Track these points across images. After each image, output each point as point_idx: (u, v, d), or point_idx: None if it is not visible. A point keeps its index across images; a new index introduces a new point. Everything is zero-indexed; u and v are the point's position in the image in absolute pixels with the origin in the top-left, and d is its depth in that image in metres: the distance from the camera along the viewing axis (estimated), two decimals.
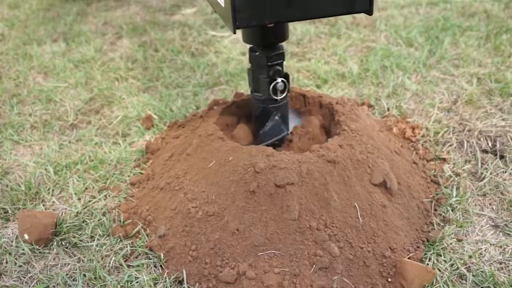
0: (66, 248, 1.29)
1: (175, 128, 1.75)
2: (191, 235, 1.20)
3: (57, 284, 1.18)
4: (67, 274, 1.20)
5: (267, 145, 1.33)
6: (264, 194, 1.15)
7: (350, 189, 1.19)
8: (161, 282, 1.16)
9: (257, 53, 1.30)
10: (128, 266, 1.22)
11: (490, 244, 1.23)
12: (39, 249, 1.28)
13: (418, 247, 1.20)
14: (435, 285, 1.12)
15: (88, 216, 1.40)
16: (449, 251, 1.20)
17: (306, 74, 2.18)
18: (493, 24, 2.60)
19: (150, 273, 1.20)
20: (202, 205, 1.22)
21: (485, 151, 1.56)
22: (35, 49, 2.57)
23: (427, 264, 1.17)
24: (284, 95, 1.35)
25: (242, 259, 1.13)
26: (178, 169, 1.39)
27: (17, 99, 2.08)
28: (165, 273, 1.17)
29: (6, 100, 2.08)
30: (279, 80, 1.30)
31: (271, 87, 1.31)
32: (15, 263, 1.25)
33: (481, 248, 1.22)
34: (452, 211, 1.33)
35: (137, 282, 1.17)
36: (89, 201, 1.46)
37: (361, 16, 2.85)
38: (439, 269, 1.16)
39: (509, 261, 1.18)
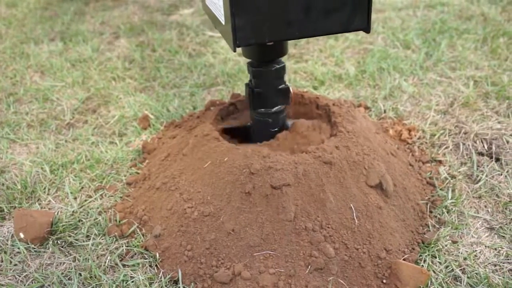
0: (62, 247, 1.29)
1: (171, 128, 1.75)
2: (186, 235, 1.20)
3: (53, 283, 1.18)
4: (62, 273, 1.20)
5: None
6: (259, 195, 1.16)
7: (346, 190, 1.19)
8: (156, 282, 1.16)
9: (255, 68, 1.32)
10: (124, 265, 1.22)
11: (485, 246, 1.24)
12: (34, 248, 1.28)
13: (413, 248, 1.20)
14: (430, 287, 1.12)
15: (84, 215, 1.40)
16: (444, 253, 1.21)
17: (303, 76, 2.19)
18: (490, 27, 2.61)
19: (145, 272, 1.19)
20: (197, 205, 1.22)
21: (481, 154, 1.57)
22: (32, 48, 2.57)
23: (422, 265, 1.17)
24: (280, 108, 1.37)
25: (237, 259, 1.13)
26: (174, 169, 1.39)
27: (13, 98, 2.08)
28: (161, 273, 1.17)
29: (2, 98, 2.07)
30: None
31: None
32: (11, 262, 1.24)
33: (476, 250, 1.22)
34: (447, 213, 1.33)
35: (132, 281, 1.17)
36: (85, 200, 1.46)
37: None
38: (434, 271, 1.16)
39: (503, 263, 1.18)
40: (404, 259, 1.15)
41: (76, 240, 1.31)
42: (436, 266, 1.17)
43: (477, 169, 1.49)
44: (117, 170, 1.58)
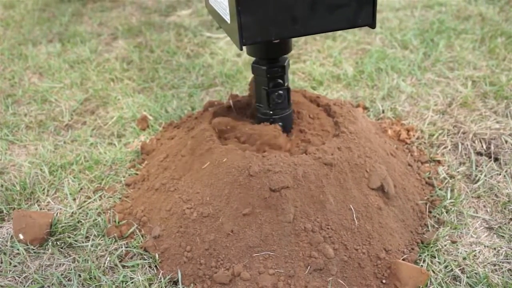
0: (61, 248, 1.29)
1: (170, 129, 1.75)
2: (186, 236, 1.20)
3: (52, 284, 1.17)
4: (62, 274, 1.20)
5: None
6: (258, 197, 1.15)
7: (346, 191, 1.19)
8: (156, 283, 1.16)
9: (258, 65, 1.31)
10: (123, 266, 1.22)
11: (484, 246, 1.24)
12: (34, 249, 1.28)
13: (413, 248, 1.20)
14: (429, 287, 1.12)
15: (83, 216, 1.39)
16: (443, 253, 1.21)
17: (301, 76, 2.19)
18: (488, 27, 2.62)
19: (145, 273, 1.19)
20: (196, 206, 1.22)
21: (479, 154, 1.57)
22: (30, 50, 2.56)
23: (422, 265, 1.18)
24: (283, 106, 1.36)
25: (237, 260, 1.13)
26: (172, 170, 1.39)
27: (12, 99, 2.07)
28: (160, 274, 1.17)
29: (1, 100, 2.07)
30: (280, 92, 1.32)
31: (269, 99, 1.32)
32: (10, 263, 1.24)
33: (475, 250, 1.22)
34: (446, 213, 1.33)
35: (132, 282, 1.16)
36: (84, 201, 1.46)
37: None
38: (433, 271, 1.16)
39: (502, 263, 1.18)
40: (403, 259, 1.15)
41: (76, 241, 1.30)
42: (436, 266, 1.17)
43: (476, 169, 1.50)
44: (116, 171, 1.58)
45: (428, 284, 1.12)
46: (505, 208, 1.35)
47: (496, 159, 1.53)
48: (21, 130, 1.85)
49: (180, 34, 2.69)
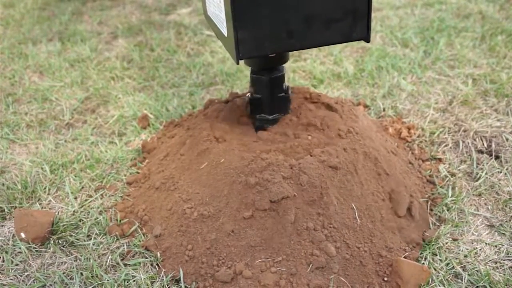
0: (63, 246, 1.29)
1: (171, 128, 1.75)
2: (187, 235, 1.20)
3: (54, 282, 1.18)
4: (64, 273, 1.20)
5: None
6: (259, 208, 1.16)
7: (350, 192, 1.19)
8: (158, 281, 1.16)
9: (255, 75, 1.33)
10: (125, 265, 1.22)
11: (486, 243, 1.24)
12: (35, 248, 1.28)
13: (414, 246, 1.21)
14: (430, 284, 1.12)
15: (84, 215, 1.39)
16: (445, 251, 1.21)
17: (302, 74, 2.19)
18: (488, 25, 2.62)
19: (147, 272, 1.20)
20: (197, 206, 1.22)
21: (480, 152, 1.57)
22: (31, 49, 2.56)
23: (423, 263, 1.18)
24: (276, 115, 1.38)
25: (238, 258, 1.13)
26: (172, 169, 1.39)
27: (12, 98, 2.07)
28: (162, 272, 1.18)
29: (1, 99, 2.07)
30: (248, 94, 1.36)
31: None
32: (12, 262, 1.24)
33: (476, 248, 1.23)
34: (447, 211, 1.34)
35: (134, 280, 1.17)
36: (86, 200, 1.46)
37: None
38: (434, 268, 1.16)
39: (504, 260, 1.19)
40: (405, 257, 1.16)
41: (77, 239, 1.31)
42: (437, 263, 1.18)
43: (477, 166, 1.50)
44: (117, 170, 1.58)
45: (430, 282, 1.13)
46: (506, 206, 1.35)
47: (497, 157, 1.53)
48: (21, 129, 1.85)
49: (180, 33, 2.69)
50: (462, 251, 1.21)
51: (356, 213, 1.17)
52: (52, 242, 1.30)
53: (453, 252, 1.21)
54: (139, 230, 1.31)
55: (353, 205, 1.17)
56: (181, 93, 2.04)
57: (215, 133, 1.36)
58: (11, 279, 1.20)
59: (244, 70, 2.21)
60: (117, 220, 1.35)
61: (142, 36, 2.67)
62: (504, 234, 1.27)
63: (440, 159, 1.55)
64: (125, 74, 2.24)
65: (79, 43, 2.60)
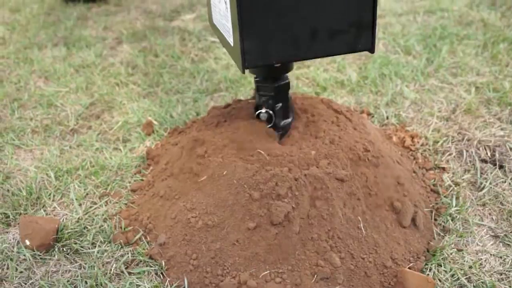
0: (67, 254, 1.29)
1: (175, 135, 1.76)
2: (191, 244, 1.20)
3: None
4: (68, 281, 1.20)
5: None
6: (264, 214, 1.16)
7: (356, 202, 1.19)
8: None
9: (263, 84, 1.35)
10: (129, 273, 1.22)
11: (490, 254, 1.24)
12: (40, 255, 1.28)
13: (419, 257, 1.21)
14: None
15: (89, 222, 1.40)
16: (450, 261, 1.21)
17: (305, 82, 2.19)
18: (490, 33, 2.62)
19: (151, 280, 1.20)
20: (201, 215, 1.22)
21: (484, 161, 1.57)
22: (36, 53, 2.57)
23: (428, 274, 1.18)
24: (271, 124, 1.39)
25: (243, 268, 1.13)
26: (175, 177, 1.39)
27: (18, 103, 2.08)
28: (167, 281, 1.18)
29: (7, 104, 2.08)
30: (263, 110, 1.37)
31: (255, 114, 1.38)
32: (16, 269, 1.25)
33: (481, 259, 1.23)
34: (452, 220, 1.34)
35: None
36: (90, 207, 1.46)
37: None
38: (439, 280, 1.17)
39: (509, 271, 1.19)
40: (409, 268, 1.16)
41: (82, 247, 1.31)
42: (442, 274, 1.18)
43: (481, 176, 1.50)
44: (121, 177, 1.59)
45: None
46: (510, 216, 1.35)
47: (501, 167, 1.53)
48: (27, 134, 1.86)
49: (184, 39, 2.70)
50: (467, 262, 1.21)
51: (361, 224, 1.17)
52: (56, 249, 1.30)
53: (458, 263, 1.21)
54: (143, 238, 1.31)
55: (358, 217, 1.17)
56: (185, 100, 2.05)
57: (212, 144, 1.36)
58: (16, 287, 1.20)
59: (248, 77, 2.22)
60: (121, 227, 1.36)
61: (146, 42, 2.68)
62: (509, 245, 1.27)
63: (444, 168, 1.55)
64: (130, 80, 2.25)
65: (84, 48, 2.61)
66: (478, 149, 1.62)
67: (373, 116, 1.87)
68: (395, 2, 3.26)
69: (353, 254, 1.13)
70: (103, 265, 1.25)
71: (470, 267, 1.20)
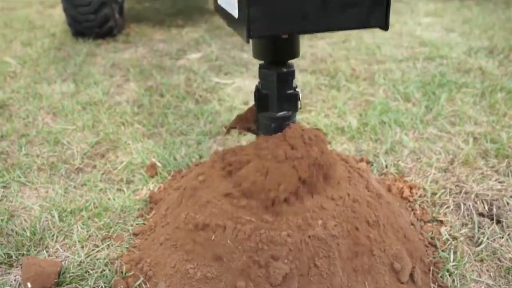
0: None
1: (178, 178, 1.79)
2: None
3: None
4: None
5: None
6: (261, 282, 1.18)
7: (357, 262, 1.21)
8: None
9: (267, 70, 1.27)
10: None
11: None
12: None
13: None
14: None
15: (91, 266, 1.41)
16: None
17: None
18: (488, 82, 2.70)
19: None
20: (200, 267, 1.24)
21: (481, 215, 1.60)
22: (45, 89, 2.64)
23: None
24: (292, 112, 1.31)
25: None
26: (172, 225, 1.40)
27: (25, 139, 2.13)
28: None
29: (15, 139, 2.12)
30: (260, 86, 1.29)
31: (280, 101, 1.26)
32: None
33: None
34: (449, 276, 1.35)
35: None
36: (92, 249, 1.48)
37: (361, 69, 2.95)
38: None
39: None
40: None
41: None
42: None
43: (478, 231, 1.53)
44: (124, 220, 1.61)
45: None
46: (508, 273, 1.37)
47: (498, 221, 1.56)
48: (33, 171, 1.90)
49: (189, 79, 2.77)
50: None
51: (360, 279, 1.19)
52: None
53: None
54: (143, 285, 1.32)
55: (359, 277, 1.19)
56: (189, 142, 2.09)
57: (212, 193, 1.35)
58: None
59: None
60: (122, 272, 1.37)
61: (152, 81, 2.75)
62: None
63: (441, 221, 1.58)
64: (135, 119, 2.30)
65: (92, 85, 2.68)
66: (476, 202, 1.65)
67: (372, 165, 1.91)
68: (396, 48, 3.36)
69: None
70: None
71: None
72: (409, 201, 1.67)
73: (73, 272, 1.38)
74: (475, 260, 1.42)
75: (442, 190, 1.72)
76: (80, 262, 1.43)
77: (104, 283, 1.35)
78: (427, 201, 1.68)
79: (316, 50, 3.39)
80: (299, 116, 2.33)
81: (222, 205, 1.28)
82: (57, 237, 1.54)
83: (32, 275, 1.32)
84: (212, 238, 1.24)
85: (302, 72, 2.92)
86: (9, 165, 1.93)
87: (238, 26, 1.09)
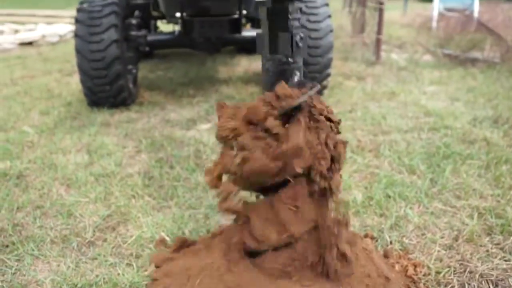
0: None
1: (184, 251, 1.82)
2: None
3: None
4: None
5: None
6: None
7: None
8: None
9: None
10: None
11: None
12: None
13: None
14: None
15: None
16: None
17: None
18: (493, 153, 2.74)
19: None
20: None
21: None
22: (60, 159, 2.75)
23: None
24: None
25: None
26: None
27: (40, 211, 2.20)
28: None
29: (30, 211, 2.20)
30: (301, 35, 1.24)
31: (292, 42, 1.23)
32: None
33: None
34: None
35: None
36: None
37: (366, 140, 3.03)
38: None
39: None
40: None
41: None
42: None
43: None
44: None
45: None
46: None
47: None
48: (46, 244, 1.95)
49: (199, 150, 2.87)
50: None
51: None
52: None
53: None
54: None
55: None
56: (197, 216, 2.14)
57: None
58: None
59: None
60: None
61: (163, 152, 2.85)
62: None
63: None
64: (145, 192, 2.37)
65: (105, 156, 2.78)
66: (481, 282, 1.65)
67: (377, 241, 1.94)
68: (401, 118, 3.45)
69: None
70: None
71: None
72: (413, 280, 1.68)
73: None
74: None
75: (447, 269, 1.73)
76: None
77: None
78: (431, 280, 1.68)
79: None
80: None
81: None
82: None
83: None
84: None
85: None
86: (24, 237, 2.00)
87: None
